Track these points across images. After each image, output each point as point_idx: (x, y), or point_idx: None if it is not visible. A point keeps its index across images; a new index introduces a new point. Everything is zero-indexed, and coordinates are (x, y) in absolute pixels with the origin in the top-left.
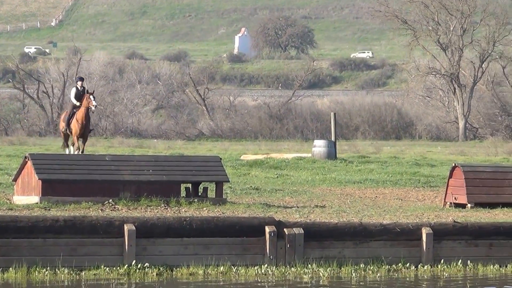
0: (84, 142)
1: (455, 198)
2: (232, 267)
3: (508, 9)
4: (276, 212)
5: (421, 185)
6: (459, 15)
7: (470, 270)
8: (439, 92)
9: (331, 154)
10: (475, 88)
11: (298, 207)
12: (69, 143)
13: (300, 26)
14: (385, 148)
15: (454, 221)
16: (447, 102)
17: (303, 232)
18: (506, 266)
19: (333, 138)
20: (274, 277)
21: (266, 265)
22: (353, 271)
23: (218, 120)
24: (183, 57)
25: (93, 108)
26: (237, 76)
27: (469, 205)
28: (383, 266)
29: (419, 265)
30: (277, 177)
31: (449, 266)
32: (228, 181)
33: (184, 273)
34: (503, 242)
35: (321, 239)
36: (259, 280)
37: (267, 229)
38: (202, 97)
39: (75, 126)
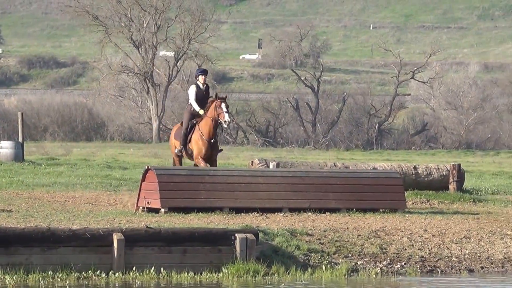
0: None
1: (148, 203)
2: None
3: (204, 6)
4: None
5: (113, 188)
6: (153, 11)
7: (163, 277)
8: (132, 92)
9: (18, 156)
10: (169, 88)
11: None
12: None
13: None
14: (75, 150)
15: (147, 227)
16: (140, 102)
17: None
18: (200, 274)
19: (20, 139)
20: None
21: None
22: (41, 278)
23: None
24: None
25: (225, 124)
26: None
27: (162, 210)
28: (73, 274)
29: (110, 273)
30: None
31: (141, 273)
32: None
33: None
34: (198, 249)
35: (7, 245)
36: None
37: None
38: None
39: (198, 145)
